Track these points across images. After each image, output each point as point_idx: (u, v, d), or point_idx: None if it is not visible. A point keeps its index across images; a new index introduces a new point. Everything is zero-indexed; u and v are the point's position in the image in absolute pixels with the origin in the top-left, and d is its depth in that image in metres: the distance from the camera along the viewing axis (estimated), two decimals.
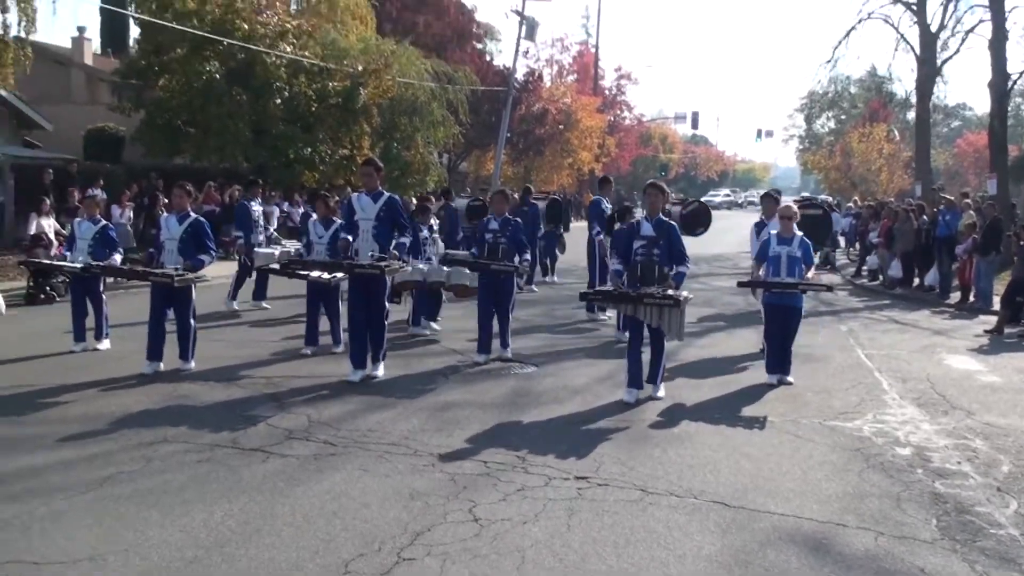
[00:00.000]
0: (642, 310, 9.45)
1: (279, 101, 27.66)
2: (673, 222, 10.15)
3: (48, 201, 19.61)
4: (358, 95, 29.33)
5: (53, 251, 17.17)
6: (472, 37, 49.58)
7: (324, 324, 12.18)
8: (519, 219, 13.00)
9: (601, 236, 14.76)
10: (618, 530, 5.93)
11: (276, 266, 13.29)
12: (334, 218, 12.32)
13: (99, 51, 40.10)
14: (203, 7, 26.66)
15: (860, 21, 38.08)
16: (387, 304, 10.67)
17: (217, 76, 26.30)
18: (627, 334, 12.78)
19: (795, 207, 12.13)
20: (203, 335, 11.40)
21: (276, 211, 25.83)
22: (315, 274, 11.53)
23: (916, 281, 21.10)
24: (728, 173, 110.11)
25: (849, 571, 5.46)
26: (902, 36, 38.25)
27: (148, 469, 6.95)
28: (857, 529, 6.08)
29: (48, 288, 16.13)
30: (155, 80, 27.45)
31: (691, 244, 11.91)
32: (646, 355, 9.71)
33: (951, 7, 35.52)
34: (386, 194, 10.37)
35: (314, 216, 13.10)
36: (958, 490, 6.96)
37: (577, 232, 22.52)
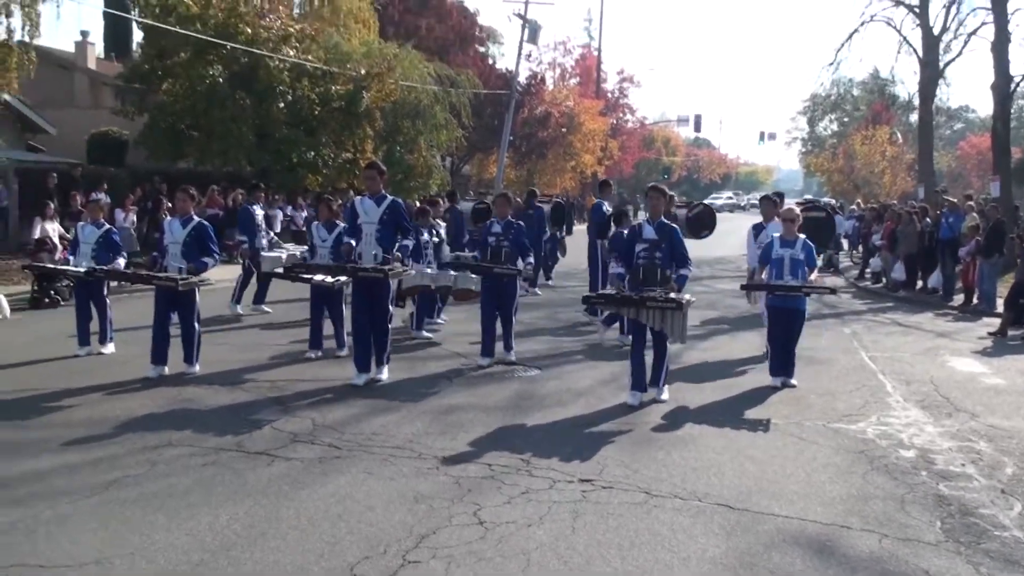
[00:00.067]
0: (645, 313, 9.45)
1: (282, 105, 27.69)
2: (675, 225, 10.15)
3: (52, 205, 19.64)
4: (361, 99, 29.36)
5: (57, 255, 17.18)
6: (475, 40, 49.62)
7: (328, 328, 12.19)
8: (522, 222, 13.01)
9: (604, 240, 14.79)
10: (623, 533, 5.94)
11: (280, 270, 13.32)
12: (337, 221, 12.34)
13: (102, 55, 40.19)
14: (206, 11, 26.70)
15: (862, 23, 38.30)
16: (391, 308, 10.69)
17: (220, 80, 26.35)
18: (630, 337, 12.86)
19: (798, 209, 12.12)
20: (207, 339, 11.42)
21: (279, 215, 25.89)
22: (318, 278, 11.54)
23: (919, 283, 21.11)
24: (731, 176, 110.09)
25: (854, 573, 5.47)
26: (904, 39, 38.38)
27: (153, 473, 6.97)
28: (861, 531, 6.08)
29: (52, 292, 16.16)
30: (158, 84, 27.50)
31: (693, 247, 11.93)
32: (649, 358, 9.71)
33: (953, 9, 35.67)
34: (389, 197, 10.37)
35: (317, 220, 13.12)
36: (962, 492, 6.96)
37: (579, 235, 22.53)
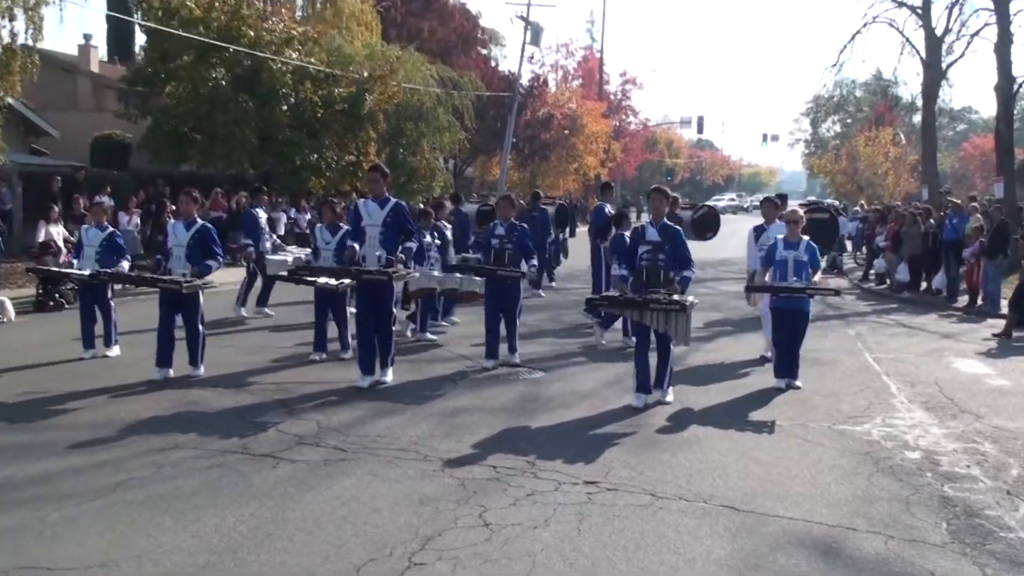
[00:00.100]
0: (648, 315, 9.46)
1: (285, 107, 27.73)
2: (678, 226, 10.16)
3: (56, 208, 19.68)
4: (364, 101, 29.39)
5: (62, 258, 17.22)
6: (477, 43, 49.66)
7: (332, 330, 12.20)
8: (526, 224, 13.02)
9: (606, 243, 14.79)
10: (628, 534, 5.94)
11: (284, 272, 13.32)
12: (341, 224, 12.36)
13: (105, 58, 40.23)
14: (209, 14, 26.75)
15: (865, 25, 38.25)
16: (394, 310, 10.70)
17: (223, 83, 26.39)
18: (634, 339, 12.85)
19: (801, 211, 12.11)
20: (212, 341, 11.43)
21: (283, 217, 25.92)
22: (322, 280, 11.55)
23: (923, 285, 21.08)
24: (734, 177, 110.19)
25: (859, 575, 5.47)
26: (907, 40, 38.34)
27: (159, 475, 6.98)
28: (867, 533, 6.08)
29: (57, 295, 16.19)
30: (161, 87, 27.54)
31: (697, 248, 11.95)
32: (653, 360, 9.72)
33: (956, 11, 35.62)
34: (393, 200, 10.38)
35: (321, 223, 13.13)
36: (968, 494, 6.96)
37: (582, 237, 22.54)
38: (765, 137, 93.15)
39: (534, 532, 5.93)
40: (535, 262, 12.41)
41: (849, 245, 31.72)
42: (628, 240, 11.47)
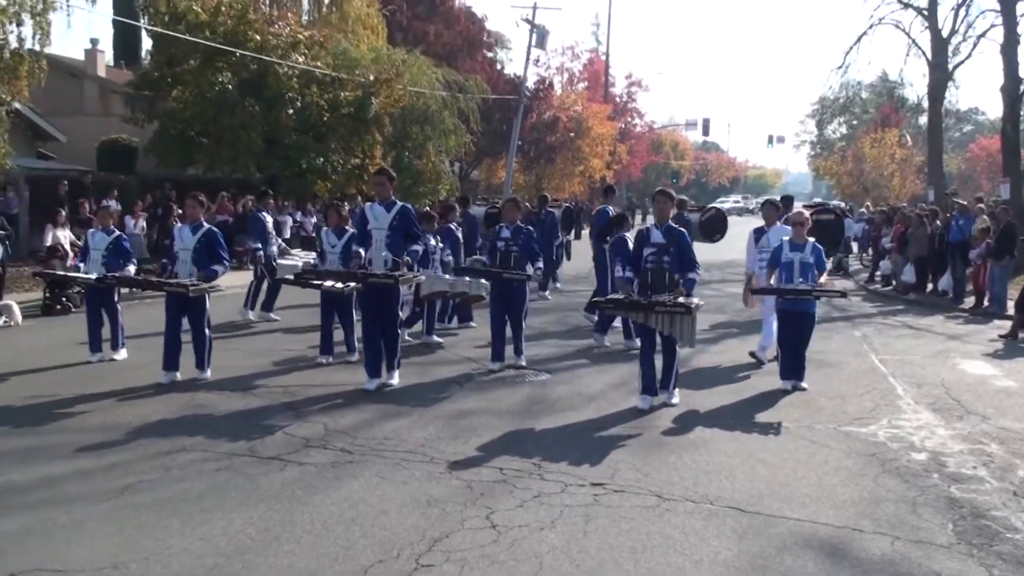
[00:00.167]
0: (653, 318, 9.46)
1: (291, 111, 27.79)
2: (682, 228, 10.18)
3: (63, 212, 19.73)
4: (370, 105, 29.44)
5: (69, 262, 17.28)
6: (483, 46, 49.66)
7: (339, 334, 12.23)
8: (532, 227, 13.04)
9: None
10: (635, 536, 5.95)
11: (289, 276, 13.34)
12: (347, 227, 12.39)
13: (112, 63, 40.36)
14: (216, 19, 26.83)
15: (871, 26, 38.13)
16: (400, 313, 10.72)
17: (230, 87, 26.45)
18: (637, 341, 12.86)
19: (807, 213, 12.11)
20: (218, 345, 11.46)
21: (289, 221, 25.97)
22: (328, 283, 11.57)
23: (929, 286, 21.06)
24: (739, 179, 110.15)
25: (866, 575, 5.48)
26: (913, 41, 38.25)
27: (167, 478, 7.01)
28: (873, 534, 6.08)
29: (64, 299, 16.23)
30: (168, 91, 27.63)
31: (702, 250, 11.96)
32: (659, 362, 9.72)
33: (962, 12, 35.51)
34: (399, 203, 10.40)
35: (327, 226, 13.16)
36: (974, 495, 6.96)
37: (587, 240, 22.53)
38: (771, 139, 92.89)
39: (541, 533, 5.94)
40: (541, 264, 12.43)
41: (855, 246, 31.71)
42: (631, 242, 11.51)
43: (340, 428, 8.52)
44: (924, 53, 37.27)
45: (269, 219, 16.08)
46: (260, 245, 15.49)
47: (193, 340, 10.71)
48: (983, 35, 34.48)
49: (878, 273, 24.95)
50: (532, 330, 13.43)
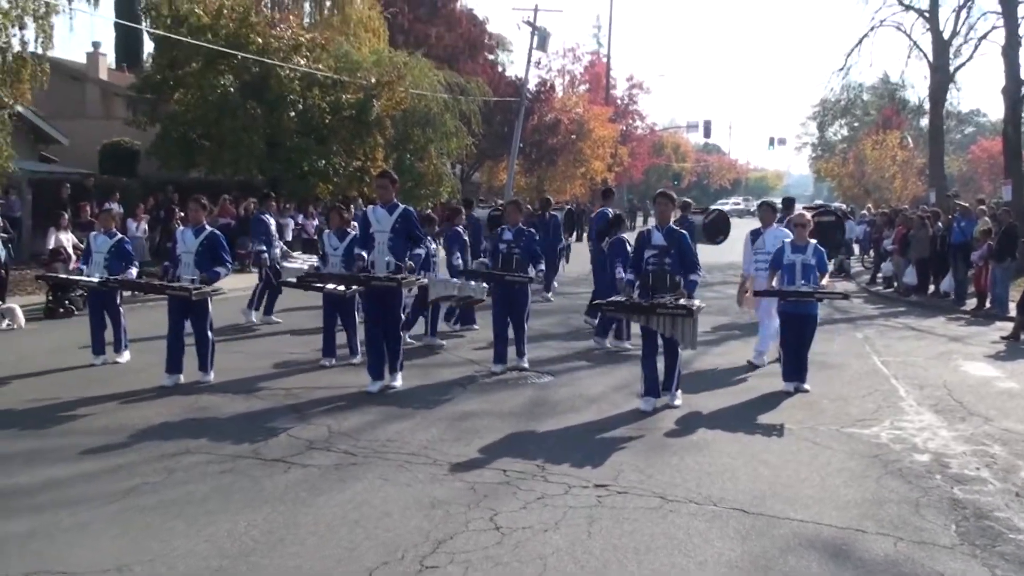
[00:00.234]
0: (655, 320, 9.47)
1: (293, 114, 27.81)
2: (683, 230, 10.19)
3: (66, 215, 19.76)
4: (371, 107, 29.48)
5: (71, 265, 17.30)
6: (484, 48, 49.74)
7: (341, 336, 12.24)
8: (534, 229, 13.05)
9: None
10: (639, 537, 5.97)
11: (293, 279, 13.34)
12: (349, 229, 12.40)
13: (114, 66, 40.41)
14: (217, 22, 26.86)
15: (872, 29, 38.11)
16: (402, 316, 10.73)
17: (231, 89, 26.48)
18: (627, 344, 12.89)
19: (809, 215, 12.13)
20: (221, 347, 11.48)
21: (290, 223, 25.99)
22: (330, 286, 11.59)
23: (931, 288, 21.08)
24: (741, 181, 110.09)
25: None
26: (915, 43, 38.22)
27: (171, 480, 7.02)
28: (876, 535, 6.10)
29: (67, 302, 16.25)
30: (170, 94, 27.67)
31: (704, 252, 11.95)
32: (661, 363, 9.73)
33: (963, 14, 35.49)
34: (401, 206, 10.40)
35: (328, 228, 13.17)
36: (977, 496, 6.97)
37: (585, 242, 22.55)
38: (772, 141, 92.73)
39: (545, 535, 5.96)
40: (543, 266, 12.44)
41: (856, 248, 31.71)
42: (629, 243, 11.53)
43: (343, 430, 8.53)
44: (925, 55, 37.26)
45: (272, 221, 16.08)
46: (264, 248, 15.49)
47: (196, 343, 10.72)
48: (984, 37, 34.50)
49: (880, 275, 24.97)
50: (534, 332, 13.44)
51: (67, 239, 18.75)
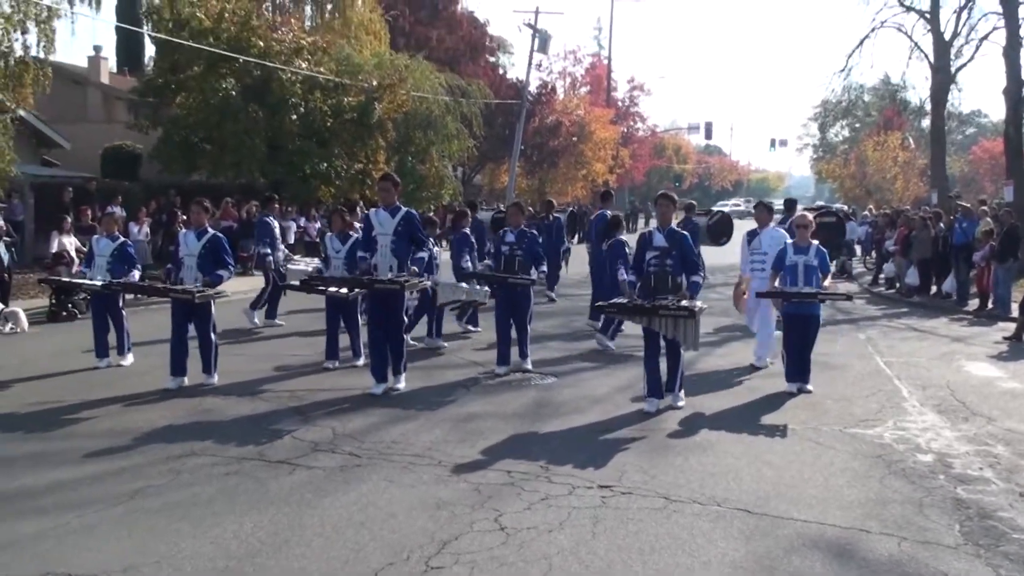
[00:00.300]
0: (657, 321, 9.48)
1: (295, 117, 27.87)
2: (685, 232, 10.21)
3: (69, 219, 19.78)
4: (373, 110, 29.53)
5: (74, 268, 17.32)
6: (485, 51, 49.83)
7: (345, 338, 12.25)
8: (536, 231, 13.06)
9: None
10: (643, 537, 5.98)
11: (296, 282, 13.36)
12: (351, 232, 12.42)
13: (115, 70, 40.46)
14: (219, 25, 26.92)
15: (873, 30, 38.17)
16: (405, 318, 10.76)
17: (233, 93, 26.54)
18: (611, 344, 12.91)
19: (810, 216, 12.14)
20: (224, 350, 11.50)
21: (292, 226, 26.01)
22: (333, 288, 11.61)
23: (933, 289, 21.08)
24: (742, 183, 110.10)
25: None
26: (916, 44, 38.28)
27: (177, 482, 7.04)
28: (880, 535, 6.11)
29: (70, 305, 16.28)
30: (172, 98, 27.72)
31: (707, 254, 11.97)
32: (663, 364, 9.74)
33: (964, 15, 35.56)
34: (403, 209, 10.42)
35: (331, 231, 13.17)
36: (980, 496, 6.98)
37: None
38: (773, 142, 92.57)
39: (549, 535, 5.97)
40: (545, 268, 12.45)
41: (858, 249, 31.71)
42: (628, 245, 11.55)
43: (348, 432, 8.54)
44: (926, 56, 37.30)
45: (276, 224, 16.10)
46: (270, 251, 15.49)
47: (199, 346, 10.74)
48: (985, 38, 34.56)
49: (882, 276, 24.98)
50: (537, 334, 13.46)
51: (70, 243, 18.77)
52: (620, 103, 64.95)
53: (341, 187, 29.74)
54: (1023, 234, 18.25)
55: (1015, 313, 16.27)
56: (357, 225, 13.60)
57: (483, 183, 54.27)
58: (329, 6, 36.54)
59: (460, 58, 44.92)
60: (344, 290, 11.55)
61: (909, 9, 37.36)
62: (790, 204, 17.91)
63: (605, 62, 64.69)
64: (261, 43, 27.21)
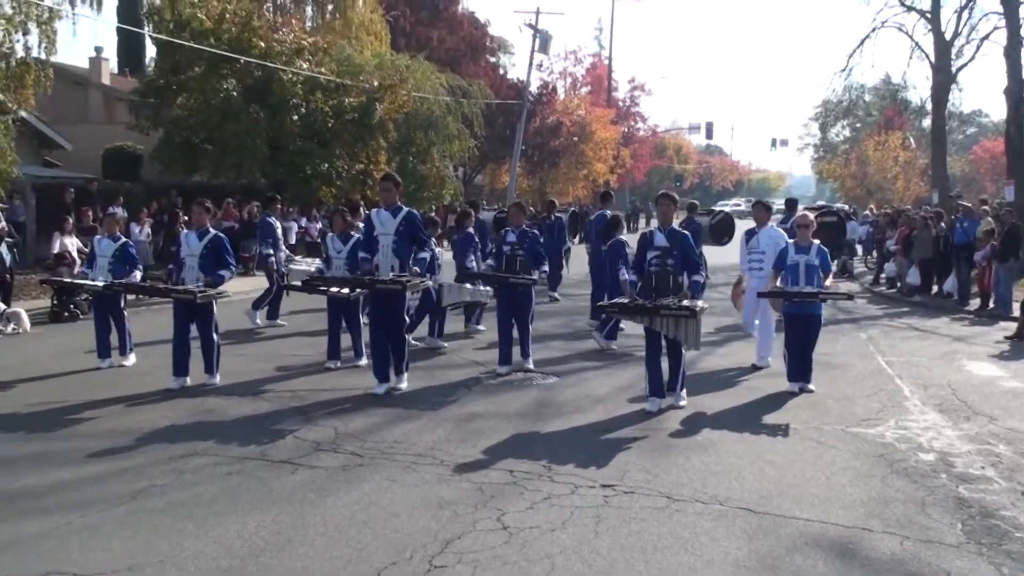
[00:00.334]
0: (658, 321, 9.49)
1: (296, 117, 27.88)
2: (686, 231, 10.23)
3: (70, 220, 19.81)
4: (374, 110, 29.55)
5: (76, 269, 17.34)
6: (486, 51, 49.86)
7: (346, 339, 12.26)
8: (537, 231, 13.08)
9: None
10: (646, 536, 5.99)
11: (298, 282, 13.37)
12: (352, 232, 12.43)
13: (116, 71, 40.48)
14: (220, 26, 26.94)
15: (874, 30, 38.22)
16: (406, 318, 10.77)
17: (234, 94, 26.55)
18: (609, 342, 12.94)
19: (812, 215, 12.15)
20: (226, 350, 11.51)
21: (294, 226, 26.03)
22: (334, 288, 11.61)
23: (934, 288, 21.09)
24: (743, 183, 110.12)
25: (876, 575, 5.50)
26: (917, 44, 38.32)
27: (179, 482, 7.05)
28: (883, 534, 6.11)
29: (72, 306, 16.29)
30: (173, 98, 27.74)
31: (709, 254, 11.97)
32: (664, 364, 9.75)
33: (965, 14, 35.60)
34: (405, 209, 10.42)
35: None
36: (982, 494, 6.99)
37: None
38: (774, 142, 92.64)
39: (552, 534, 5.98)
40: (546, 268, 12.46)
41: (859, 249, 31.72)
42: (628, 245, 11.55)
43: (350, 432, 8.55)
44: (927, 56, 37.34)
45: (278, 224, 16.11)
46: (272, 252, 15.49)
47: (201, 346, 10.75)
48: (986, 38, 34.61)
49: (883, 275, 24.99)
50: (538, 333, 13.46)
51: (71, 243, 18.81)
52: (621, 103, 65.00)
53: (342, 187, 29.76)
54: None
55: (1016, 312, 16.27)
56: (360, 225, 13.60)
57: (484, 183, 54.30)
58: (330, 7, 36.56)
59: (461, 58, 44.95)
60: (345, 290, 11.56)
61: (910, 9, 37.42)
62: (791, 204, 17.95)
63: (606, 62, 64.77)
64: (262, 44, 27.23)
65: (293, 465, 7.49)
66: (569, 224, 21.26)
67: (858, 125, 73.91)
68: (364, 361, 11.86)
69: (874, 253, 29.24)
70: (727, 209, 27.91)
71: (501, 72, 51.51)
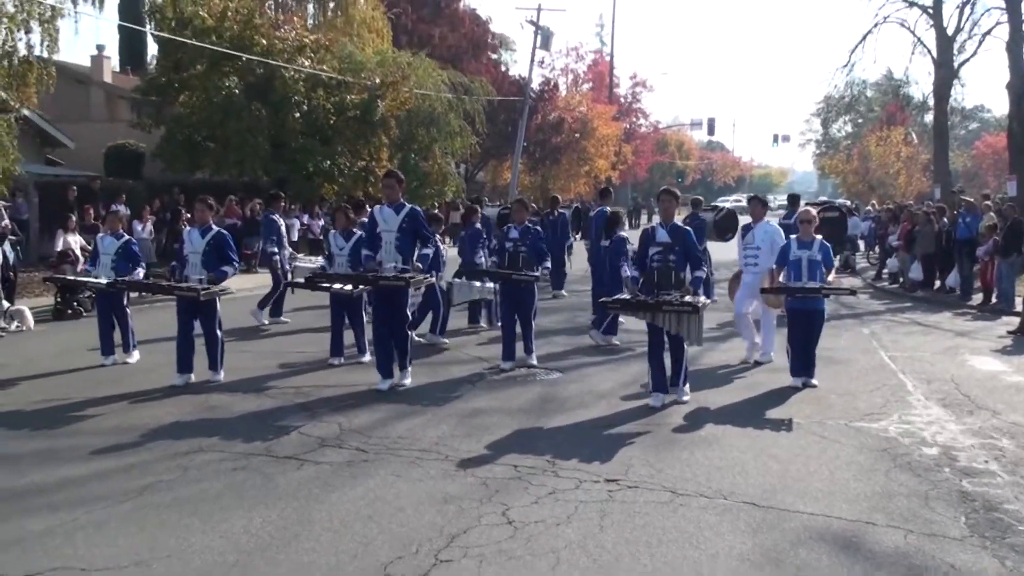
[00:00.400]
0: (661, 317, 9.50)
1: (298, 115, 27.90)
2: (688, 227, 10.24)
3: (73, 218, 19.83)
4: (376, 107, 29.56)
5: (79, 267, 17.37)
6: (487, 48, 49.86)
7: (350, 335, 12.28)
8: (546, 227, 13.10)
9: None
10: (650, 531, 6.01)
11: (301, 280, 13.37)
12: (354, 229, 12.45)
13: (118, 69, 40.49)
14: (222, 24, 26.96)
15: (876, 25, 38.24)
16: (409, 314, 10.79)
17: (236, 91, 26.57)
18: (608, 338, 12.96)
19: (814, 211, 12.14)
20: (230, 347, 11.52)
21: (296, 224, 26.05)
22: (337, 285, 11.63)
23: (937, 283, 21.08)
24: (745, 179, 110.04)
25: (880, 568, 5.51)
26: (919, 39, 38.30)
27: (185, 478, 7.08)
28: (886, 527, 6.13)
29: (75, 303, 16.32)
30: (175, 96, 27.77)
31: (713, 249, 11.98)
32: (667, 359, 9.76)
33: (967, 10, 35.59)
34: (408, 206, 10.44)
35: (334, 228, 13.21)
36: (986, 488, 7.00)
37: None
38: (776, 138, 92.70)
39: (557, 529, 6.00)
40: (548, 264, 12.47)
41: (862, 244, 31.72)
42: (629, 242, 11.55)
43: (354, 427, 8.58)
44: (929, 51, 37.33)
45: (281, 222, 16.12)
46: (276, 249, 15.50)
47: (205, 342, 10.77)
48: (988, 32, 34.63)
49: (885, 271, 24.99)
50: (541, 329, 13.47)
51: (74, 241, 18.83)
52: (622, 99, 64.93)
53: (344, 184, 29.77)
54: None
55: (1019, 307, 16.29)
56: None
57: (486, 180, 54.29)
58: (331, 4, 36.55)
59: (463, 55, 44.95)
60: (348, 287, 11.57)
61: (912, 4, 37.41)
62: (793, 200, 17.95)
63: (607, 58, 64.71)
64: (264, 41, 27.25)
65: (298, 461, 7.51)
66: (572, 220, 21.30)
67: (860, 121, 73.83)
68: (367, 357, 11.88)
69: (876, 249, 29.22)
70: (728, 205, 27.97)
71: (503, 69, 51.56)
